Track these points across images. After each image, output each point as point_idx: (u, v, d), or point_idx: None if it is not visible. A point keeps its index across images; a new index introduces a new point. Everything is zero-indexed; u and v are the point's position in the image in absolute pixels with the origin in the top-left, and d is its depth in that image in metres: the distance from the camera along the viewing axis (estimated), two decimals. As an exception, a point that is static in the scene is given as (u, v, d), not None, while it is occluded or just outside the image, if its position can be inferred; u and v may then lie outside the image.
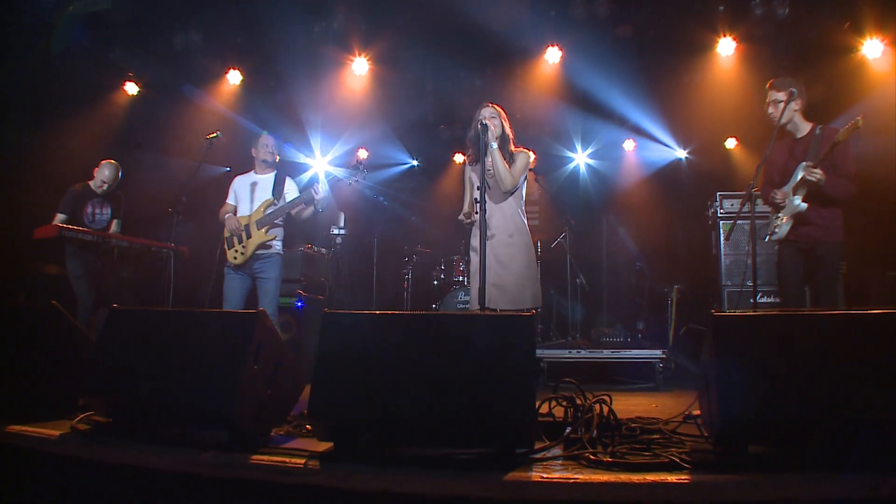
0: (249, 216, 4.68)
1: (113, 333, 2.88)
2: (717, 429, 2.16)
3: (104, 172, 5.40)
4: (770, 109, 4.05)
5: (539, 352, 5.76)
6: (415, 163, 9.07)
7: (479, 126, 3.61)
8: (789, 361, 2.14)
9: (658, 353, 5.63)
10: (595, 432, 2.29)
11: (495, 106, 3.87)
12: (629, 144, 8.30)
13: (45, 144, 5.86)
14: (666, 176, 8.27)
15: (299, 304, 5.91)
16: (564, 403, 2.41)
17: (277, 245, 4.74)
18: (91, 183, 5.43)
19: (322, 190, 4.54)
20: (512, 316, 2.22)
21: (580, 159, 8.77)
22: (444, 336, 2.29)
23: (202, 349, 2.60)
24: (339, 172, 4.71)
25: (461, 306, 6.62)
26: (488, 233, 3.69)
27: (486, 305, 3.65)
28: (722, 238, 6.44)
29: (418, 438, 2.28)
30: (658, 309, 7.89)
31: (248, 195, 4.79)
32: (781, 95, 3.96)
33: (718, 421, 2.15)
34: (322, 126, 8.10)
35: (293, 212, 4.72)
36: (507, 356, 2.18)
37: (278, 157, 4.87)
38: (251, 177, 4.85)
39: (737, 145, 7.83)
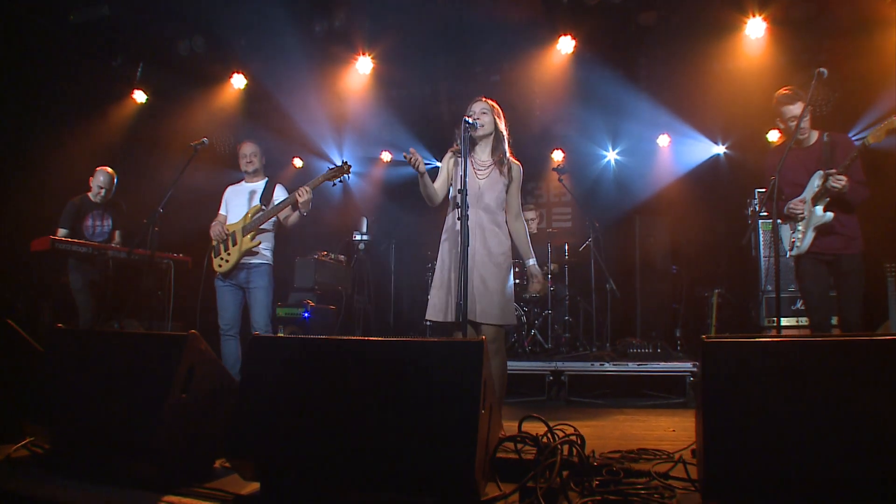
0: (236, 223, 4.50)
1: (55, 355, 2.70)
2: (705, 481, 1.76)
3: (99, 179, 5.31)
4: (792, 125, 3.79)
5: (560, 364, 5.40)
6: (438, 164, 8.75)
7: (464, 123, 3.26)
8: (800, 400, 1.72)
9: (688, 365, 5.17)
10: (559, 479, 1.91)
11: (489, 101, 3.52)
12: (663, 140, 7.75)
13: (60, 154, 5.84)
14: (704, 172, 7.70)
15: (306, 314, 5.70)
16: (530, 443, 2.04)
17: (266, 254, 4.53)
18: (89, 194, 5.36)
19: (305, 192, 4.28)
20: (458, 343, 1.89)
21: (611, 156, 8.27)
22: (381, 365, 1.97)
23: (131, 375, 2.38)
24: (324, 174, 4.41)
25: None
26: (473, 237, 3.35)
27: (473, 318, 3.31)
28: (760, 238, 5.89)
29: (352, 482, 1.96)
30: (698, 315, 7.34)
31: (237, 204, 4.61)
32: (797, 108, 3.74)
33: (706, 471, 1.75)
34: (340, 130, 7.91)
35: (281, 217, 4.49)
36: (449, 390, 1.84)
37: (256, 164, 4.63)
38: (242, 186, 4.69)
39: (780, 138, 7.17)
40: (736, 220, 6.99)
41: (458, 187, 3.20)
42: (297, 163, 8.88)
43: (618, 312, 7.22)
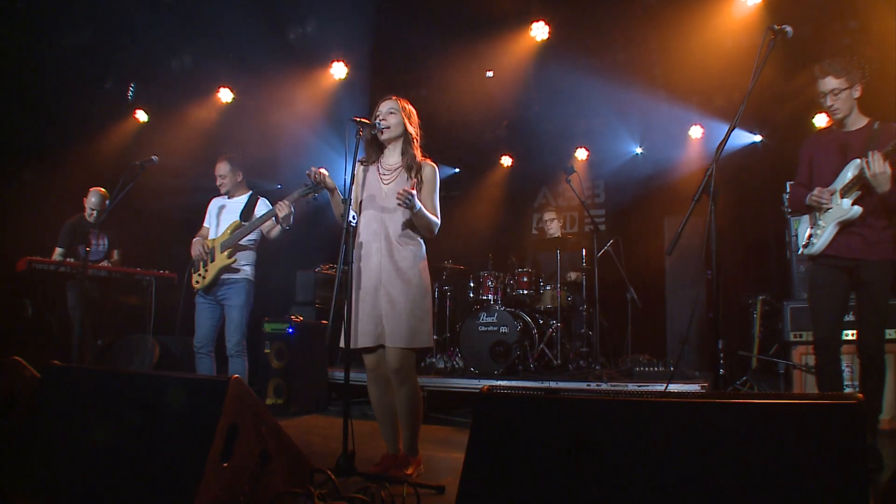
0: (216, 239, 4.41)
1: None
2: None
3: (91, 200, 5.41)
4: (829, 101, 3.27)
5: (553, 384, 4.92)
6: (456, 170, 8.45)
7: (350, 122, 2.96)
8: (577, 470, 1.27)
9: (695, 387, 4.55)
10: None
11: (399, 100, 3.20)
12: (695, 131, 7.03)
13: (62, 176, 6.02)
14: (739, 165, 6.91)
15: (290, 330, 5.53)
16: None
17: (246, 269, 4.42)
18: (86, 214, 5.47)
19: (285, 207, 4.11)
20: (198, 380, 1.58)
21: (637, 152, 7.62)
22: (138, 403, 1.69)
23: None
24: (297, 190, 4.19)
25: (482, 329, 5.88)
26: (378, 249, 3.03)
27: (376, 342, 3.00)
28: (793, 238, 5.11)
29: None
30: (740, 325, 6.54)
31: (216, 219, 4.55)
32: (840, 82, 3.21)
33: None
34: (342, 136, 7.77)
35: (265, 231, 4.37)
36: (183, 435, 1.53)
37: (228, 185, 4.50)
38: (222, 200, 4.61)
39: (829, 122, 6.28)
40: (779, 217, 6.18)
41: (366, 194, 2.91)
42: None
43: (645, 324, 6.58)
